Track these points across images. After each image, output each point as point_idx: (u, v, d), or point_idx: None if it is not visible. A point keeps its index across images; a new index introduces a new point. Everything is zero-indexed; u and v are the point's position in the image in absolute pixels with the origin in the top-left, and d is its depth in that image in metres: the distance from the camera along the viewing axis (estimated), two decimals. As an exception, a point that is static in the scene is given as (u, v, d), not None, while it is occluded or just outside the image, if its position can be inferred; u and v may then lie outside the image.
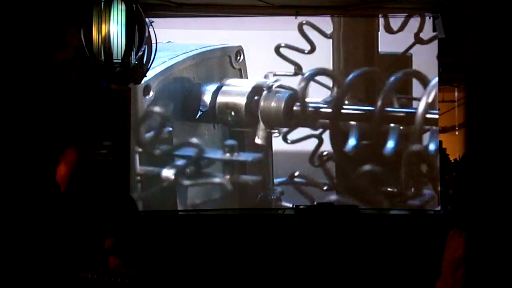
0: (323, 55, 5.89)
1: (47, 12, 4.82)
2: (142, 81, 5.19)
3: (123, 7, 4.45)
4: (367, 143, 5.84)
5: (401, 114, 5.82)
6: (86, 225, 2.74)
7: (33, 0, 4.78)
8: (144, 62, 4.80)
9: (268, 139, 5.83)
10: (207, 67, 5.85)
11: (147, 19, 4.73)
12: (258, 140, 5.77)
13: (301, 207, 5.66)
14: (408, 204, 5.92)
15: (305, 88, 5.76)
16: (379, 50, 5.92)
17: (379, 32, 5.93)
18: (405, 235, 5.39)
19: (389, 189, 5.90)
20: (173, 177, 5.69)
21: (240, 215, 5.84)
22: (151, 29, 4.75)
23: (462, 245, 2.44)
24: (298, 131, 5.83)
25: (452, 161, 7.13)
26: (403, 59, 5.91)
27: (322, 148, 5.87)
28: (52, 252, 2.66)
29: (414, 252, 5.13)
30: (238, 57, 5.88)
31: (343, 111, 5.80)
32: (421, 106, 5.72)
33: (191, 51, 5.75)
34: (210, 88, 5.77)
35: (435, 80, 5.83)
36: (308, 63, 5.85)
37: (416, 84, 5.89)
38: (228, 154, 5.76)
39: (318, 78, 5.85)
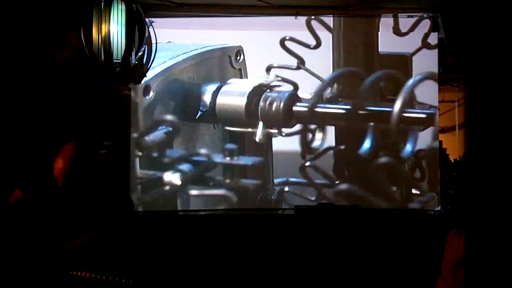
0: (324, 54, 5.89)
1: (47, 12, 4.82)
2: (142, 81, 5.19)
3: (123, 7, 4.45)
4: (367, 143, 5.84)
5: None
6: (81, 220, 2.75)
7: (33, 0, 4.78)
8: (144, 62, 4.80)
9: (268, 139, 5.83)
10: (207, 67, 5.85)
11: (147, 19, 4.73)
12: (257, 138, 5.77)
13: (301, 207, 5.66)
14: (408, 204, 5.92)
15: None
16: (379, 50, 5.92)
17: (379, 32, 5.94)
18: (405, 235, 5.38)
19: (389, 189, 5.90)
20: (173, 181, 5.68)
21: (240, 215, 5.84)
22: (151, 29, 4.75)
23: (462, 245, 2.44)
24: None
25: (452, 161, 7.13)
26: (403, 59, 5.91)
27: (323, 148, 5.87)
28: (46, 249, 2.66)
29: (414, 252, 5.12)
30: (238, 57, 5.88)
31: (341, 111, 5.80)
32: (396, 106, 5.65)
33: (191, 51, 5.75)
34: (210, 88, 5.77)
35: (412, 80, 5.77)
36: (309, 62, 5.86)
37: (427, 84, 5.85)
38: (228, 158, 5.77)
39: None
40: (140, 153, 5.65)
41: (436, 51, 5.89)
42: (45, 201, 2.80)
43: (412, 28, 5.87)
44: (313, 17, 5.87)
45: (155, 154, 5.69)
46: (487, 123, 1.10)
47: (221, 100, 5.73)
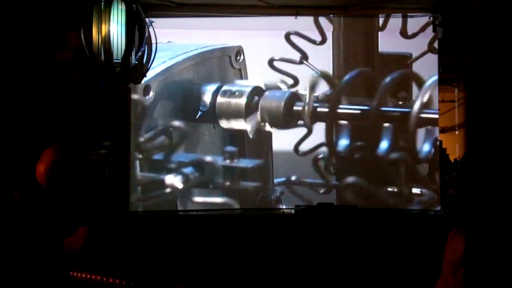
0: (324, 52, 5.90)
1: (47, 12, 4.82)
2: (142, 81, 5.19)
3: (123, 7, 4.46)
4: (366, 143, 5.85)
5: (397, 113, 5.84)
6: (65, 223, 2.74)
7: (33, 0, 4.78)
8: (144, 62, 4.81)
9: (268, 139, 5.83)
10: (207, 67, 5.85)
11: (147, 19, 4.74)
12: (250, 134, 5.76)
13: (301, 207, 5.66)
14: (408, 204, 5.92)
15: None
16: (379, 50, 5.92)
17: (379, 32, 5.94)
18: (405, 235, 5.39)
19: (389, 189, 5.90)
20: (173, 183, 5.68)
21: (240, 215, 5.84)
22: (151, 29, 4.76)
23: (462, 245, 2.43)
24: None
25: (452, 161, 7.14)
26: (403, 59, 5.91)
27: (322, 148, 5.87)
28: (46, 249, 2.66)
29: (414, 252, 5.12)
30: (238, 57, 5.88)
31: (340, 110, 5.80)
32: (416, 106, 5.72)
33: (191, 51, 5.75)
34: (210, 88, 5.77)
35: (431, 80, 5.81)
36: (310, 60, 5.87)
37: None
38: (228, 161, 5.77)
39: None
40: (140, 156, 5.65)
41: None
42: (35, 203, 2.79)
43: (419, 31, 5.89)
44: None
45: (155, 156, 5.69)
46: (487, 123, 1.10)
47: (221, 100, 5.73)
